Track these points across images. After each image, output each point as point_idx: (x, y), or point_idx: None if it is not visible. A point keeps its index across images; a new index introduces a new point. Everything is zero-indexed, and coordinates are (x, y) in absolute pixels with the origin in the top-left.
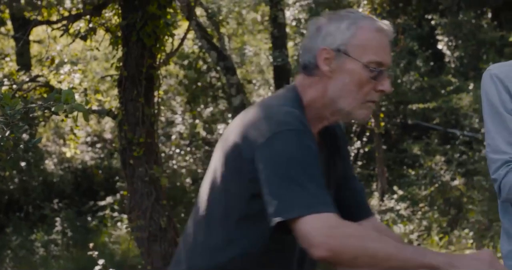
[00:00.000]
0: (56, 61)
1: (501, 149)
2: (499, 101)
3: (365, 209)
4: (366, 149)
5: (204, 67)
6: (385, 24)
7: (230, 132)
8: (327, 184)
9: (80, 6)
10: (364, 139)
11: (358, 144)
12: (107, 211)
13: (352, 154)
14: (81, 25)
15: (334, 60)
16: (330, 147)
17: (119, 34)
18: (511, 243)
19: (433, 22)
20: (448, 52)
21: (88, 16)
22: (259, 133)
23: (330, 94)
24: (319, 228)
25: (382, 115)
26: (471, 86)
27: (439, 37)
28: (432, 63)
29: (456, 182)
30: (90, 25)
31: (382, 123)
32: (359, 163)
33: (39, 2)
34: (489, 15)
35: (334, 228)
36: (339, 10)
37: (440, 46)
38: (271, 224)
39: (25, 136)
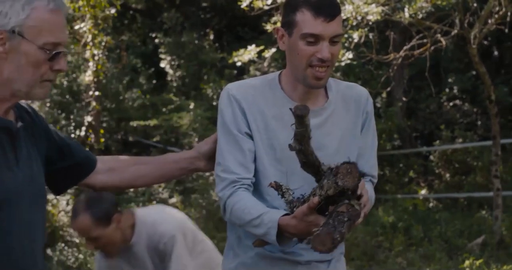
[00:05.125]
0: None
1: (231, 168)
2: (234, 123)
3: (91, 156)
4: None
5: None
6: (61, 2)
7: None
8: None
9: None
10: None
11: None
12: None
13: None
14: None
15: (8, 41)
16: (29, 123)
17: None
18: (235, 259)
19: (157, 41)
20: (170, 71)
21: None
22: None
23: (6, 76)
24: None
25: (102, 131)
26: (191, 106)
27: (162, 56)
28: (154, 81)
29: (173, 200)
30: None
31: (102, 140)
32: None
33: None
34: (211, 37)
35: None
36: None
37: (163, 64)
38: None
39: None
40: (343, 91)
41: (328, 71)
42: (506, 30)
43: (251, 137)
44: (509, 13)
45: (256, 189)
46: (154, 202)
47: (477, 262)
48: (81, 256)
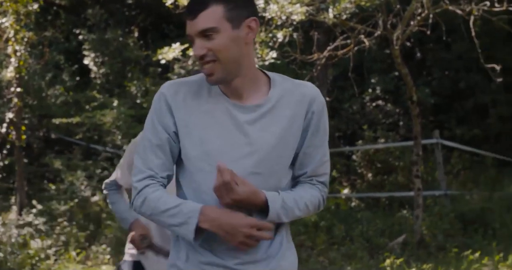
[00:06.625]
0: None
1: (150, 165)
2: (160, 122)
3: None
4: (6, 162)
5: None
6: None
7: None
8: None
9: None
10: (5, 151)
11: None
12: None
13: None
14: None
15: None
16: None
17: None
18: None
19: (80, 37)
20: (94, 68)
21: None
22: None
23: None
24: None
25: (24, 128)
26: (115, 103)
27: (86, 53)
28: (78, 78)
29: (96, 198)
30: None
31: (24, 137)
32: None
33: None
34: (136, 34)
35: None
36: None
37: (86, 61)
38: None
39: None
40: (288, 90)
41: (216, 66)
42: (428, 32)
43: (176, 135)
44: (431, 15)
45: (190, 187)
46: (76, 199)
47: (398, 261)
48: (0, 254)
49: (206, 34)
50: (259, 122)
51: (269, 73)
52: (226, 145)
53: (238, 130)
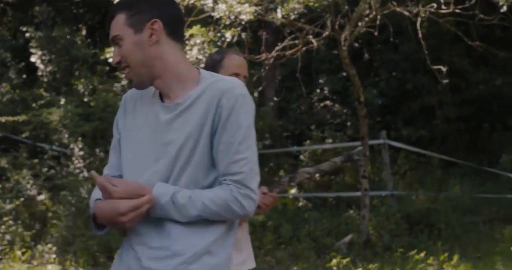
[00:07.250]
0: None
1: (108, 166)
2: (116, 125)
3: None
4: None
5: None
6: None
7: None
8: None
9: None
10: None
11: None
12: None
13: None
14: None
15: None
16: None
17: None
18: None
19: (28, 35)
20: (41, 66)
21: None
22: None
23: None
24: None
25: None
26: (62, 101)
27: (33, 50)
28: (24, 76)
29: (42, 197)
30: None
31: None
32: None
33: None
34: (84, 32)
35: None
36: None
37: (33, 59)
38: None
39: None
40: (209, 85)
41: (133, 72)
42: (376, 33)
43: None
44: (379, 17)
45: None
46: (22, 198)
47: (344, 261)
48: None
49: (115, 42)
50: (176, 121)
51: (201, 71)
52: (150, 145)
53: (160, 130)
